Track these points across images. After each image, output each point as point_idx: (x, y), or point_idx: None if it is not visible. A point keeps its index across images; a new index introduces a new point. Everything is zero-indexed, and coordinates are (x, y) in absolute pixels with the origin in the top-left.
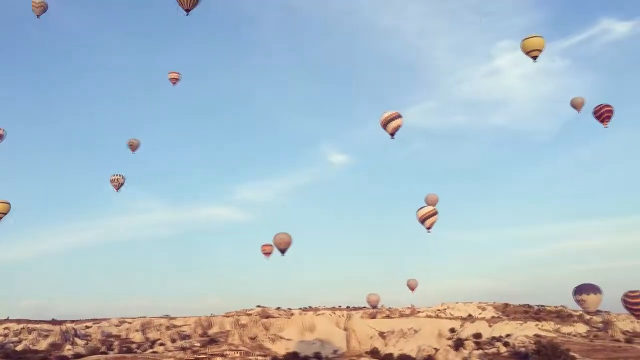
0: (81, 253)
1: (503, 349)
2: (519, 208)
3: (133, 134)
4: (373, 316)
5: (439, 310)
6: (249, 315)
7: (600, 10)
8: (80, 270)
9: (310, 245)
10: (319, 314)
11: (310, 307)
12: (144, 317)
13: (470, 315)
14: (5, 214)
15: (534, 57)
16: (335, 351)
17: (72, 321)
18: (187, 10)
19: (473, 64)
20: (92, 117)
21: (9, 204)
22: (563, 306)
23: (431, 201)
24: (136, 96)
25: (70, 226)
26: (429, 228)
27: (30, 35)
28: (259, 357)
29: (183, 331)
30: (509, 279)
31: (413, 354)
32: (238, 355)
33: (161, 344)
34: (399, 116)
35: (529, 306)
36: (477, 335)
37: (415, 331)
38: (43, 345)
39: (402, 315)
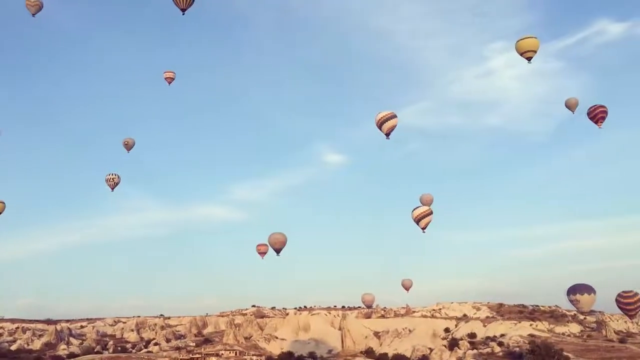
0: (76, 252)
1: (497, 349)
2: (514, 208)
3: (128, 134)
4: (368, 316)
5: (433, 310)
6: (243, 315)
7: (594, 11)
8: (75, 269)
9: (306, 245)
10: (313, 314)
11: (305, 307)
12: (139, 316)
13: (465, 315)
14: (0, 213)
15: (529, 58)
16: (330, 351)
17: (67, 321)
18: (183, 10)
19: (467, 64)
20: (87, 116)
21: (3, 203)
22: (557, 306)
23: (426, 201)
24: (131, 95)
25: (65, 225)
26: (424, 228)
27: (25, 34)
28: (254, 357)
29: (178, 331)
30: (503, 279)
31: (408, 354)
32: (233, 355)
33: (156, 344)
34: (394, 116)
35: (524, 306)
36: (472, 335)
37: (410, 331)
38: (37, 344)
39: (397, 315)
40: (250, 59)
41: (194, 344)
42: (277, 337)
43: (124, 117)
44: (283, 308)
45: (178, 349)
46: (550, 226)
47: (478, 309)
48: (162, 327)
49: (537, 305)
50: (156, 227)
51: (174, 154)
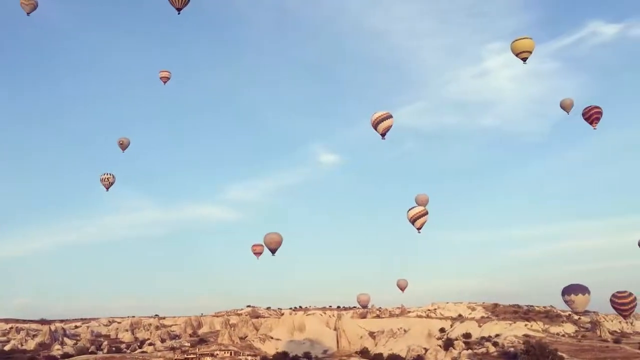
0: (70, 252)
1: (492, 349)
2: (509, 209)
3: (123, 133)
4: (363, 316)
5: (429, 310)
6: (239, 315)
7: (589, 12)
8: (69, 269)
9: (301, 245)
10: (309, 314)
11: (301, 307)
12: (133, 316)
13: (460, 316)
14: None
15: (524, 59)
16: (325, 351)
17: (61, 321)
18: (179, 9)
19: (463, 65)
20: (82, 115)
21: None
22: (552, 306)
23: (421, 201)
24: (126, 95)
25: (60, 225)
26: (419, 228)
27: (20, 33)
28: (249, 357)
29: (172, 331)
30: (498, 279)
31: (403, 354)
32: (228, 355)
33: (150, 344)
34: (389, 116)
35: (518, 306)
36: (467, 335)
37: (405, 331)
38: (31, 345)
39: (392, 315)
40: (246, 59)
41: (189, 344)
42: (272, 337)
43: (119, 117)
44: (278, 308)
45: (173, 349)
46: (545, 226)
47: (473, 309)
48: (157, 327)
49: (532, 306)
50: (151, 227)
51: (169, 153)
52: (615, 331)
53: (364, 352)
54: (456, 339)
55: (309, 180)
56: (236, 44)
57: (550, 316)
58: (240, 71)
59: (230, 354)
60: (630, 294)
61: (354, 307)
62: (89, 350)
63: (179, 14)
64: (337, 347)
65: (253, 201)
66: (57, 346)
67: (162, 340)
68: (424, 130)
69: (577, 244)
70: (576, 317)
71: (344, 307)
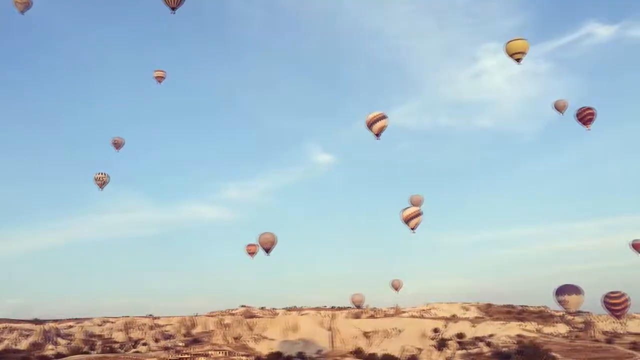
0: (64, 252)
1: (486, 349)
2: (503, 209)
3: (117, 133)
4: (357, 316)
5: (422, 310)
6: (232, 315)
7: (584, 13)
8: (63, 269)
9: (295, 244)
10: (303, 314)
11: (295, 307)
12: (127, 316)
13: (453, 316)
14: None
15: (518, 60)
16: (319, 351)
17: (55, 321)
18: (173, 9)
19: (458, 65)
20: (76, 114)
21: None
22: (545, 307)
23: (416, 202)
24: (121, 94)
25: (53, 225)
26: (413, 228)
27: (13, 32)
28: (243, 357)
29: (166, 331)
30: (492, 279)
31: (397, 354)
32: (221, 355)
33: (144, 344)
34: (384, 117)
35: (512, 306)
36: (460, 335)
37: (399, 331)
38: (24, 345)
39: (386, 315)
40: (241, 59)
41: (183, 344)
42: (266, 337)
43: (113, 116)
44: (272, 308)
45: (166, 349)
46: (538, 227)
47: (467, 310)
48: (151, 327)
49: (526, 306)
50: (145, 226)
51: (164, 153)
52: (608, 331)
53: (357, 352)
54: (450, 339)
55: (304, 180)
56: (231, 44)
57: (543, 316)
58: (236, 71)
59: (224, 354)
60: (623, 295)
61: (348, 307)
62: (82, 350)
63: (173, 13)
64: (331, 347)
65: (247, 201)
66: (50, 346)
67: (156, 340)
68: (418, 130)
69: (570, 244)
70: (569, 317)
71: (338, 307)
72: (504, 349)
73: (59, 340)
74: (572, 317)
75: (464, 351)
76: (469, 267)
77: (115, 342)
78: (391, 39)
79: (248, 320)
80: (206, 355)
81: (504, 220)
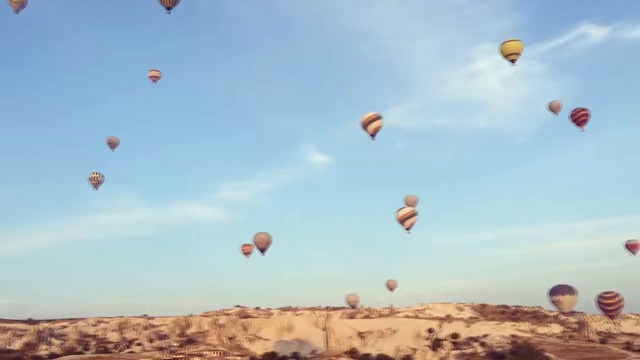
0: (58, 252)
1: (480, 349)
2: (498, 210)
3: (112, 132)
4: (352, 316)
5: (417, 310)
6: (227, 315)
7: (578, 15)
8: (57, 269)
9: (290, 245)
10: (297, 314)
11: (290, 307)
12: (122, 316)
13: (448, 316)
14: None
15: (512, 61)
16: (313, 351)
17: (48, 321)
18: (168, 8)
19: (453, 66)
20: (70, 114)
21: None
22: (539, 307)
23: (411, 202)
24: (116, 94)
25: (47, 225)
26: (408, 229)
27: (7, 32)
28: (237, 357)
29: (161, 331)
30: (486, 279)
31: (391, 354)
32: (216, 355)
33: (138, 344)
34: (379, 117)
35: (506, 307)
36: (455, 336)
37: (394, 331)
38: (17, 345)
39: (381, 315)
40: (237, 59)
41: (177, 344)
42: (260, 338)
43: (108, 116)
44: (267, 308)
45: (161, 349)
46: (533, 227)
47: (461, 310)
48: (145, 327)
49: (520, 306)
50: (140, 226)
51: (159, 153)
52: (602, 332)
53: (352, 352)
54: (444, 339)
55: (299, 180)
56: (226, 44)
57: (537, 316)
58: (231, 72)
59: (219, 354)
60: (617, 295)
61: (343, 307)
62: (76, 351)
63: (168, 13)
64: (326, 347)
65: (242, 201)
66: (43, 346)
67: (150, 341)
68: (413, 131)
69: (564, 244)
70: (563, 317)
71: (332, 307)
72: (498, 349)
73: (53, 340)
74: (566, 317)
75: (458, 351)
76: (463, 267)
77: (110, 343)
78: (386, 40)
79: (243, 320)
80: (201, 356)
81: (498, 220)
